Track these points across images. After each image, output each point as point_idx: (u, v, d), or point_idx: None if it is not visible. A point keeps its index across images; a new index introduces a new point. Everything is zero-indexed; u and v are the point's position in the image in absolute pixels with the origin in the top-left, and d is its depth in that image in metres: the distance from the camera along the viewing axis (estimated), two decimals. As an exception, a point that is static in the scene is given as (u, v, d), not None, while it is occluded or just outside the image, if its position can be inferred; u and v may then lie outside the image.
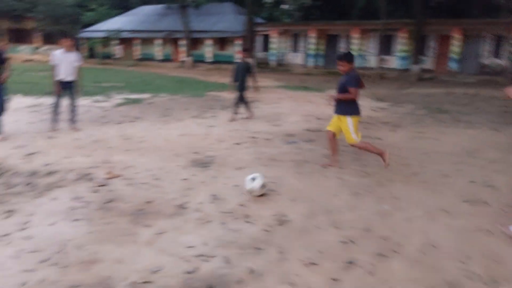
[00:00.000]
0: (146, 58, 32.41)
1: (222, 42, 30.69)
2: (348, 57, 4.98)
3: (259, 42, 29.14)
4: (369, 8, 34.79)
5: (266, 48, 29.21)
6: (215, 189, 4.39)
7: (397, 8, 30.76)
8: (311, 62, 26.86)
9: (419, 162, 5.77)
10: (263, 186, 4.14)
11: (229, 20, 30.63)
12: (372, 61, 25.56)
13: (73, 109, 7.14)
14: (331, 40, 27.21)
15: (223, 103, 11.17)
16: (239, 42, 29.19)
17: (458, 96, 14.72)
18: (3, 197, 3.94)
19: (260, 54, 29.25)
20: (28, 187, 4.25)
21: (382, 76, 23.14)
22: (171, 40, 31.82)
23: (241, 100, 8.67)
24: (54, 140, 6.40)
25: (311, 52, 26.91)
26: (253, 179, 4.16)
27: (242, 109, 8.87)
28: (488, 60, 22.41)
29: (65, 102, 7.15)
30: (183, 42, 30.30)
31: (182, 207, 3.87)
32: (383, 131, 7.95)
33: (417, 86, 18.68)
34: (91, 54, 34.75)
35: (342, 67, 4.98)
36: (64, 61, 6.86)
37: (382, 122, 9.06)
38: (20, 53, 35.36)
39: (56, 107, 7.00)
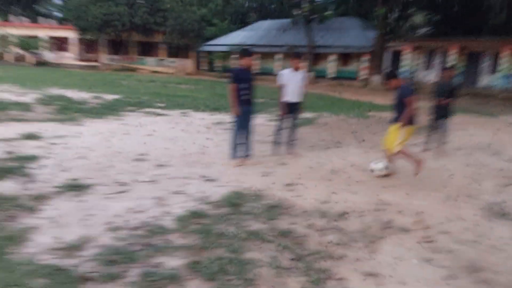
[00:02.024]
0: (265, 73, 32.67)
1: (345, 57, 29.67)
2: (393, 74, 5.70)
3: (386, 58, 27.52)
4: (509, 24, 31.00)
5: (393, 64, 27.48)
6: None
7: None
8: (447, 81, 24.51)
9: None
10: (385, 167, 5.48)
11: (353, 35, 29.54)
12: (525, 82, 22.45)
13: (293, 131, 6.61)
14: (472, 58, 24.58)
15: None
16: (365, 58, 27.93)
17: None
18: (344, 249, 3.29)
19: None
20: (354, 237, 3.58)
21: (540, 99, 20.08)
22: (292, 54, 31.65)
23: (435, 128, 7.27)
24: (289, 167, 5.85)
25: (449, 70, 24.55)
26: (385, 167, 5.49)
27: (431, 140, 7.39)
28: None
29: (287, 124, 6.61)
30: (305, 57, 29.93)
31: None
32: None
33: None
34: (211, 68, 36.14)
35: (392, 84, 5.59)
36: (292, 81, 6.36)
37: None
38: (147, 65, 38.24)
39: (279, 129, 6.51)
